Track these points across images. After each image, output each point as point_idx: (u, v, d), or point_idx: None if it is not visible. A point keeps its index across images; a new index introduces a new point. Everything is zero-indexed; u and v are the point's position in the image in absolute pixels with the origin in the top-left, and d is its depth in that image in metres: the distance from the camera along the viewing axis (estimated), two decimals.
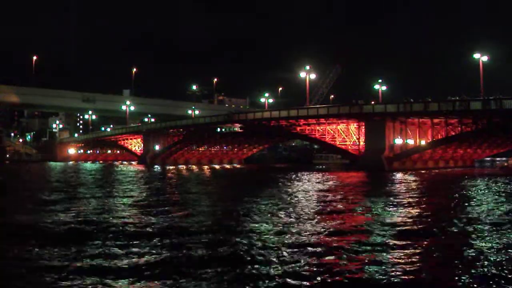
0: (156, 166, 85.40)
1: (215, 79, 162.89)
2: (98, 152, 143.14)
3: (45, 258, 11.44)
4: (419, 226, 16.47)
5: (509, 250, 12.35)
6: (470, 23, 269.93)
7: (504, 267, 10.51)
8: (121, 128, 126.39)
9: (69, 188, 33.81)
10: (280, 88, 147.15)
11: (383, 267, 10.58)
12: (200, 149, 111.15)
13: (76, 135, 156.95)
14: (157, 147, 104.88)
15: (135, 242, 13.21)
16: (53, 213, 19.63)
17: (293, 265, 10.73)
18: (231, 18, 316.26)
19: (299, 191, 31.66)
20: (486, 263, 10.97)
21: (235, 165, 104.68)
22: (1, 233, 15.34)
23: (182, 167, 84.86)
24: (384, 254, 11.94)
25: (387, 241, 13.49)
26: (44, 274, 10.02)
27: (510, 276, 9.86)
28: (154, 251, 12.18)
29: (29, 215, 19.36)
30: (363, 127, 69.51)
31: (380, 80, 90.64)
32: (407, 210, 21.20)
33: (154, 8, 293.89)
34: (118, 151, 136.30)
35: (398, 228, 15.81)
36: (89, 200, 25.06)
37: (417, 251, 12.42)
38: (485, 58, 67.88)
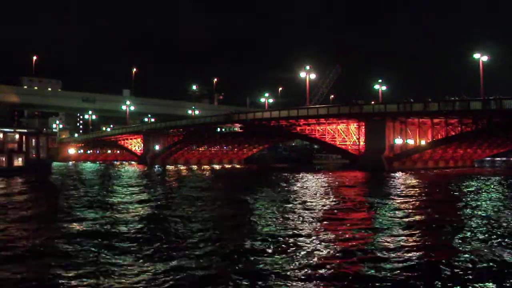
0: (156, 166, 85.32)
1: (215, 79, 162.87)
2: (98, 152, 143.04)
3: None
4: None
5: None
6: (470, 23, 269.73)
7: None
8: (121, 128, 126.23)
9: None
10: (280, 88, 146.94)
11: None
12: (200, 149, 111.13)
13: (76, 135, 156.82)
14: (157, 147, 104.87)
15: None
16: None
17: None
18: (231, 18, 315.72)
19: (299, 191, 31.65)
20: None
21: (235, 165, 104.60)
22: None
23: (183, 167, 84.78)
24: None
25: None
26: None
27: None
28: None
29: None
30: (363, 127, 69.52)
31: (380, 80, 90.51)
32: (405, 208, 21.22)
33: (154, 8, 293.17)
34: (118, 151, 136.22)
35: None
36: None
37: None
38: (485, 58, 67.78)
